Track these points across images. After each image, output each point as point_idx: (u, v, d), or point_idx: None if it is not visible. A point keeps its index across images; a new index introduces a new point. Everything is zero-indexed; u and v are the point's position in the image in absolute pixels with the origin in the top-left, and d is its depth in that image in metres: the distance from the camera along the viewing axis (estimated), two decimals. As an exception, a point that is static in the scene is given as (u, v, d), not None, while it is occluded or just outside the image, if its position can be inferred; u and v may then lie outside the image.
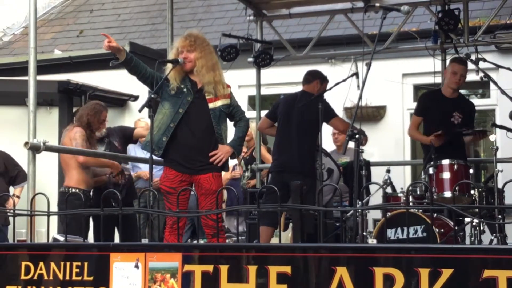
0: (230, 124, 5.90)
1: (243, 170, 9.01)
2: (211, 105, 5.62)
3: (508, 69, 7.38)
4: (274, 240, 6.56)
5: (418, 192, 6.63)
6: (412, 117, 7.16)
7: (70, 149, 6.68)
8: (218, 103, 5.65)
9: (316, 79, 7.01)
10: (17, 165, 8.49)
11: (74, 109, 7.65)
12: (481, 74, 7.21)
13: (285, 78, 10.60)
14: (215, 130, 5.61)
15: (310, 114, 6.62)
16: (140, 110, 5.69)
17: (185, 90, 5.63)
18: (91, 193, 6.91)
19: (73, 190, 6.68)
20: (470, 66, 7.12)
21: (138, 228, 6.92)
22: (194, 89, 5.65)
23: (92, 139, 7.02)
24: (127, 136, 7.77)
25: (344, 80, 6.70)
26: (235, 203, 5.89)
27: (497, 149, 6.46)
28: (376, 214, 7.28)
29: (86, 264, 4.38)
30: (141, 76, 5.65)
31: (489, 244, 5.97)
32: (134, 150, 8.81)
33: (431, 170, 6.42)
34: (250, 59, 8.72)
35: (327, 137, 8.00)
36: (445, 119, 6.87)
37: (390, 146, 10.10)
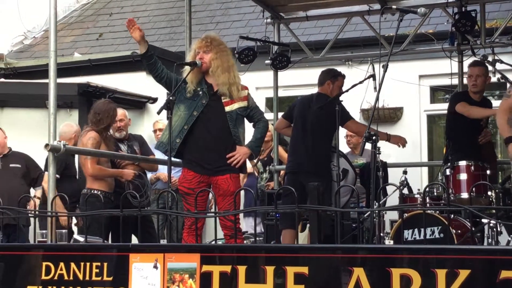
0: (248, 126, 5.93)
1: (260, 171, 9.03)
2: (227, 108, 5.66)
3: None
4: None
5: (435, 193, 6.63)
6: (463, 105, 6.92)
7: (89, 150, 6.72)
8: (235, 106, 5.69)
9: (326, 80, 7.02)
10: (38, 167, 8.56)
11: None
12: (498, 75, 7.21)
13: (302, 80, 10.61)
14: (232, 133, 5.65)
15: (325, 115, 6.65)
16: (158, 112, 5.75)
17: (200, 93, 5.67)
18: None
19: (95, 192, 6.74)
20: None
21: (157, 229, 6.96)
22: (210, 91, 5.69)
23: (108, 141, 7.04)
24: (143, 150, 7.78)
25: (361, 82, 6.72)
26: (253, 204, 5.92)
27: (514, 150, 6.44)
28: (393, 215, 7.28)
29: (105, 264, 4.43)
30: (157, 76, 5.71)
31: (506, 245, 5.96)
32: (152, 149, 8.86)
33: (448, 172, 6.43)
34: (268, 61, 8.75)
35: (341, 139, 8.01)
36: (476, 122, 6.86)
37: (407, 147, 10.05)
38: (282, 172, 8.85)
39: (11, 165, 8.48)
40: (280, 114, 8.68)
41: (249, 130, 5.95)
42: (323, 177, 6.46)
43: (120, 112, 7.39)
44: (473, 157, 6.48)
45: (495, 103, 9.84)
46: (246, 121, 5.90)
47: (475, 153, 6.68)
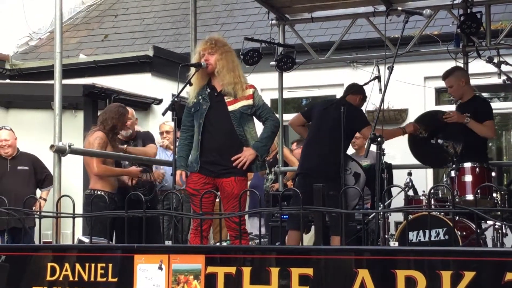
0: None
1: (266, 172, 9.03)
2: (231, 108, 5.64)
3: (531, 72, 7.34)
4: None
5: (440, 195, 6.62)
6: None
7: (94, 151, 6.74)
8: (238, 104, 5.66)
9: (359, 95, 6.95)
10: (45, 168, 8.60)
11: (99, 113, 7.73)
12: (504, 77, 7.20)
13: (307, 82, 10.63)
14: (236, 132, 5.64)
15: (342, 120, 6.56)
16: (163, 114, 5.77)
17: (201, 101, 5.69)
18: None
19: (99, 192, 6.75)
20: (493, 69, 7.10)
21: (162, 230, 6.98)
22: (213, 93, 5.69)
23: (114, 142, 7.06)
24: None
25: (366, 84, 6.72)
26: (258, 206, 5.91)
27: (519, 152, 6.44)
28: (398, 217, 7.27)
29: (110, 265, 4.42)
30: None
31: (511, 247, 5.95)
32: (158, 152, 8.87)
33: (453, 173, 6.42)
34: (273, 63, 8.76)
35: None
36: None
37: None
38: (287, 174, 8.85)
39: (18, 168, 8.52)
40: (286, 116, 8.70)
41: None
42: (334, 181, 6.37)
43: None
44: (478, 159, 6.42)
45: (499, 105, 9.87)
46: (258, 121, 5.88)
47: (480, 155, 6.63)
